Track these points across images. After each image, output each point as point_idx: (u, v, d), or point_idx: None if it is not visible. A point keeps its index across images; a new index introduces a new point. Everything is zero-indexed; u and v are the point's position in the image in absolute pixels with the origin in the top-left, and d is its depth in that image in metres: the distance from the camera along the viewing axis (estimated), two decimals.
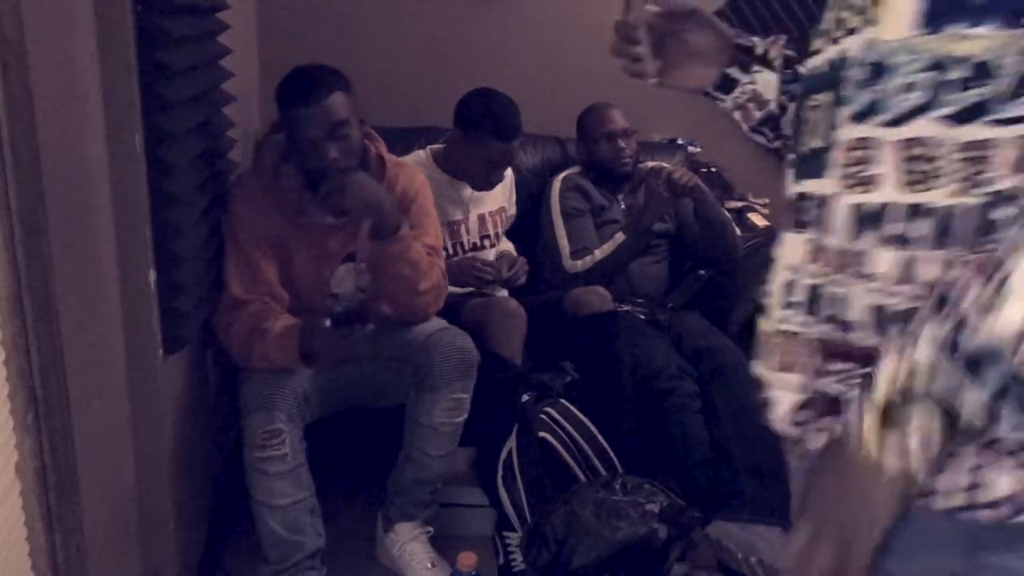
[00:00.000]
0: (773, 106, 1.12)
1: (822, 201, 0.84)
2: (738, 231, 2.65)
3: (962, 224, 0.74)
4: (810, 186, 0.87)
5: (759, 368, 0.94)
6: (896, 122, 0.76)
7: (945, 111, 0.73)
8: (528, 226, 2.74)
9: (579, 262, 2.59)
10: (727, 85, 1.12)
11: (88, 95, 1.38)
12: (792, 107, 1.09)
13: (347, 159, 1.87)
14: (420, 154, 2.51)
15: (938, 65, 0.72)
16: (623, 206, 2.73)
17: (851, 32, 0.81)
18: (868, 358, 0.80)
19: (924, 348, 0.71)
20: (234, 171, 2.09)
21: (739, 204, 2.96)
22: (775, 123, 1.14)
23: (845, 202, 0.81)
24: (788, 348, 0.88)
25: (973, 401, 0.69)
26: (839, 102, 0.82)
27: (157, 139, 1.53)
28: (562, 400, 2.15)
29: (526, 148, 2.80)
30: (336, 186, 1.84)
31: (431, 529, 2.09)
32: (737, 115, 1.14)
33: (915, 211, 0.76)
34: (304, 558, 1.87)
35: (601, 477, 2.03)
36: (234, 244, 1.92)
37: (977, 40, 0.71)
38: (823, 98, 0.86)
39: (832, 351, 0.84)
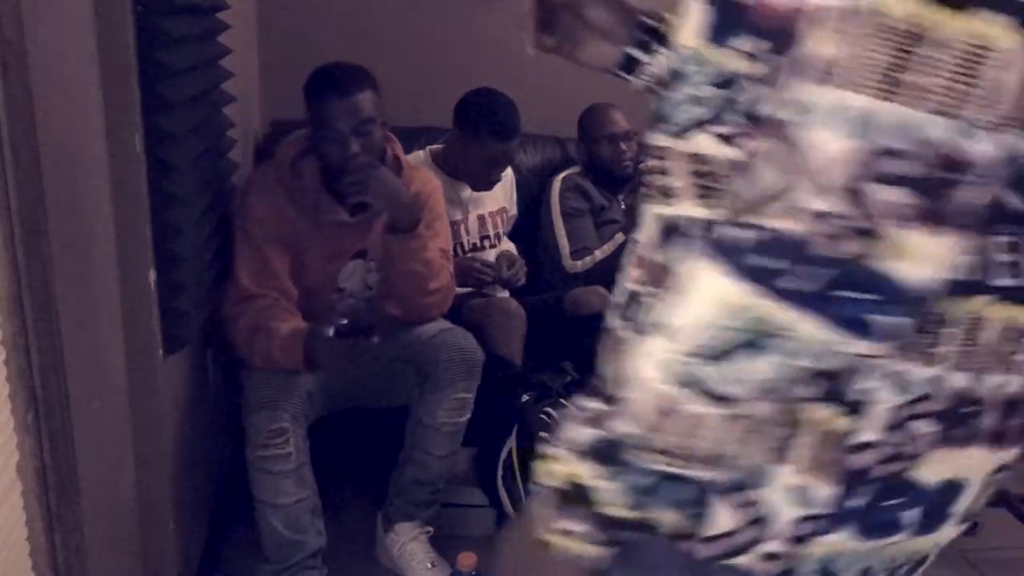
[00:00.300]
0: None
1: (640, 207, 0.80)
2: None
3: None
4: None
5: (601, 366, 0.91)
6: (681, 133, 0.71)
7: (723, 130, 0.68)
8: (528, 226, 2.74)
9: (579, 262, 2.59)
10: (630, 65, 1.01)
11: (88, 95, 1.38)
12: None
13: (368, 156, 1.90)
14: (420, 154, 2.51)
15: (724, 81, 0.67)
16: (623, 206, 2.73)
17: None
18: None
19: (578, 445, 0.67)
20: (234, 171, 2.09)
21: None
22: None
23: (651, 212, 0.76)
24: (617, 347, 0.85)
25: (625, 500, 0.66)
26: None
27: (157, 139, 1.53)
28: (562, 400, 2.15)
29: (526, 148, 2.80)
30: (359, 178, 1.86)
31: (431, 529, 2.09)
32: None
33: (709, 228, 0.72)
34: (305, 557, 1.87)
35: None
36: (245, 238, 1.92)
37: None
38: None
39: None
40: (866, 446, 0.66)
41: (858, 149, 0.52)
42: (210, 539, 2.07)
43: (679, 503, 0.68)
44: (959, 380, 0.66)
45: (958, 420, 0.67)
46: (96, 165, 1.41)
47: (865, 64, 0.51)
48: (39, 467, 1.18)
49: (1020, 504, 2.16)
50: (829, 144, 0.53)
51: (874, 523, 0.70)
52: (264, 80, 2.78)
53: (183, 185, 1.64)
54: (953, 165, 0.52)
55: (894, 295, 0.54)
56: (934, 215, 0.52)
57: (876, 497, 0.69)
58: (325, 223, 1.95)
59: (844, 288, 0.54)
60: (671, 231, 0.72)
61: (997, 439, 0.69)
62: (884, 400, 0.64)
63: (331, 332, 1.73)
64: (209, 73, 1.88)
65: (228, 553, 2.09)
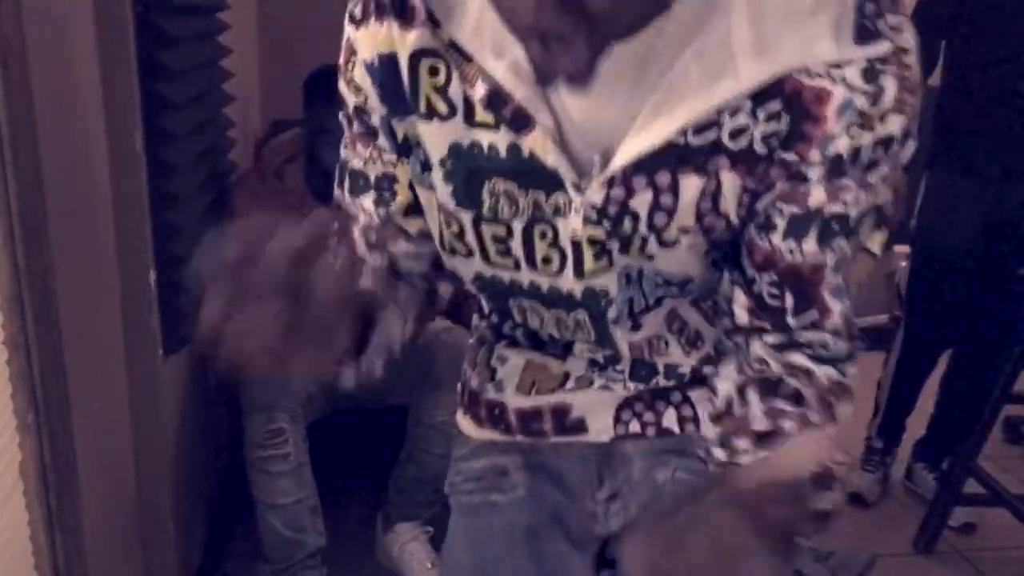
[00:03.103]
0: None
1: None
2: None
3: None
4: None
5: None
6: None
7: None
8: None
9: None
10: None
11: (88, 95, 1.38)
12: None
13: None
14: None
15: None
16: None
17: None
18: None
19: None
20: (234, 171, 2.09)
21: None
22: None
23: None
24: None
25: None
26: None
27: (157, 139, 1.53)
28: None
29: None
30: None
31: (431, 529, 2.09)
32: None
33: None
34: (305, 557, 1.87)
35: None
36: None
37: None
38: None
39: None
40: None
41: None
42: (210, 539, 2.07)
43: None
44: None
45: None
46: (96, 165, 1.41)
47: None
48: (39, 467, 1.18)
49: (1020, 504, 2.16)
50: None
51: None
52: (264, 80, 2.77)
53: (183, 185, 1.64)
54: None
55: None
56: None
57: None
58: None
59: None
60: None
61: None
62: None
63: None
64: (209, 73, 1.88)
65: (228, 553, 2.09)
